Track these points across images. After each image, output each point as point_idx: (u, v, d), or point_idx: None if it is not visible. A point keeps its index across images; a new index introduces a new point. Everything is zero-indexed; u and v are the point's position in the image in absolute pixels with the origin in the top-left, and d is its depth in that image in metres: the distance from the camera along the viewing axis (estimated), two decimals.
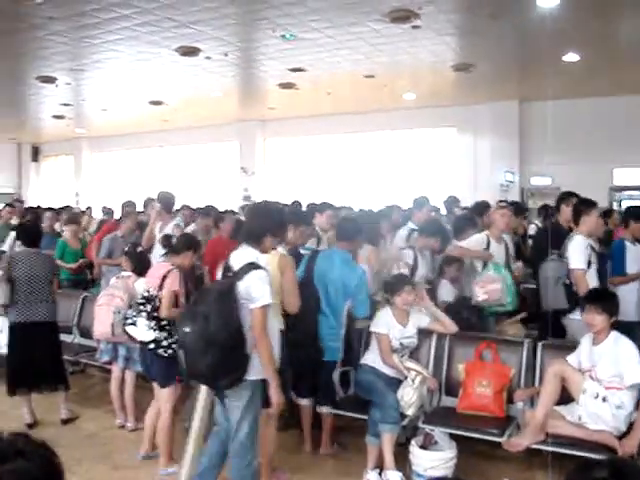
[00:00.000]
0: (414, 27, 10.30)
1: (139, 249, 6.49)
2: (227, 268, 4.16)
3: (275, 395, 4.03)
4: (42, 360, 6.17)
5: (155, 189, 9.21)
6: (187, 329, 3.79)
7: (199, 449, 4.50)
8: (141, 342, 5.10)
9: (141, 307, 5.06)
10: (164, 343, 4.98)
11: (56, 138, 25.95)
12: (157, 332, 4.95)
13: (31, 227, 6.81)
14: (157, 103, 17.49)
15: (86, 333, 7.40)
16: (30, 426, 6.16)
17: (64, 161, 27.75)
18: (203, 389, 4.40)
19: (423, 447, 4.95)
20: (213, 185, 22.56)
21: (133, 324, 5.02)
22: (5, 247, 9.39)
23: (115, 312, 5.66)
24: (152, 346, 5.00)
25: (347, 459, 5.56)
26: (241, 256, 4.15)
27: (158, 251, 6.85)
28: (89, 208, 17.93)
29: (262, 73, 14.37)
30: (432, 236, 6.85)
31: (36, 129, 24.26)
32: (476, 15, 9.78)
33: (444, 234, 7.08)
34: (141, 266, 5.83)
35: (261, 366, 3.96)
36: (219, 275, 4.30)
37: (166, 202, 8.18)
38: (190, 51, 11.89)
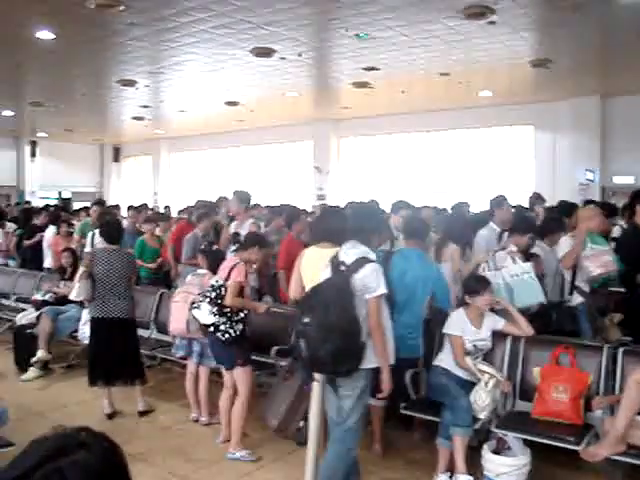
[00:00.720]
0: (490, 23, 10.09)
1: (214, 247, 6.66)
2: (338, 263, 4.28)
3: (386, 383, 4.24)
4: (119, 355, 6.36)
5: (231, 188, 9.33)
6: (307, 319, 3.98)
7: (317, 449, 4.47)
8: (203, 325, 5.31)
9: (207, 294, 5.37)
10: (222, 327, 5.30)
11: (136, 139, 26.80)
12: (217, 317, 5.22)
13: (112, 224, 7.01)
14: (233, 104, 17.78)
15: (163, 328, 7.60)
16: (110, 416, 6.36)
17: (143, 161, 28.61)
18: (316, 389, 4.43)
19: (496, 452, 4.85)
20: (287, 184, 22.81)
21: (197, 307, 5.39)
22: (87, 245, 9.68)
23: (191, 308, 5.78)
24: (212, 329, 5.30)
25: (417, 461, 5.50)
26: (351, 251, 4.31)
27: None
28: (167, 207, 18.43)
29: (336, 73, 14.40)
30: (524, 233, 6.65)
31: (117, 130, 25.12)
32: (555, 8, 9.49)
33: (535, 230, 6.91)
34: (216, 264, 5.94)
35: (374, 355, 4.16)
36: (322, 271, 4.35)
37: (242, 200, 8.31)
38: (265, 52, 12.03)
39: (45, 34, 10.97)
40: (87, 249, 9.25)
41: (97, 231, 8.59)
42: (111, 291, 6.34)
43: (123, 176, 29.76)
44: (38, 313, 7.86)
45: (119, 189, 29.56)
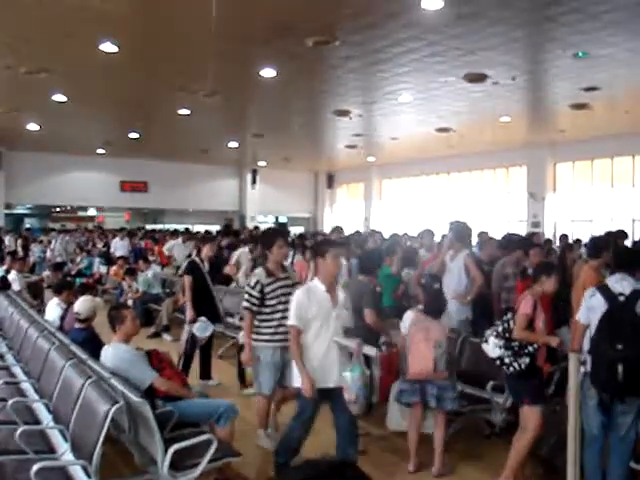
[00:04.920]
0: None
1: (437, 285, 6.06)
2: (609, 291, 4.51)
3: None
4: None
5: (441, 215, 9.21)
6: (620, 346, 4.26)
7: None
8: (491, 359, 5.23)
9: (495, 327, 5.22)
10: (506, 360, 5.06)
11: (348, 166, 27.76)
12: (502, 350, 5.06)
13: (371, 253, 7.01)
14: (444, 130, 17.80)
15: None
16: None
17: (355, 188, 29.50)
18: (572, 411, 4.42)
19: None
20: (498, 211, 22.29)
21: (485, 341, 5.23)
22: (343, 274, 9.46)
23: (436, 346, 5.33)
24: (498, 362, 5.13)
25: None
26: (620, 282, 4.53)
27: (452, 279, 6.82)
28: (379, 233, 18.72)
29: (552, 95, 13.89)
30: None
31: (331, 158, 26.23)
32: None
33: None
34: (437, 304, 5.69)
35: None
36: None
37: (458, 232, 7.91)
38: (477, 78, 11.94)
39: (268, 72, 11.86)
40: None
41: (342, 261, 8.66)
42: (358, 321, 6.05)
43: (337, 202, 30.92)
44: None
45: (332, 215, 30.76)
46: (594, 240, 7.14)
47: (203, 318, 7.46)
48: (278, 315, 5.53)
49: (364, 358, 4.91)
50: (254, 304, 5.60)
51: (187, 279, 7.76)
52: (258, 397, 5.91)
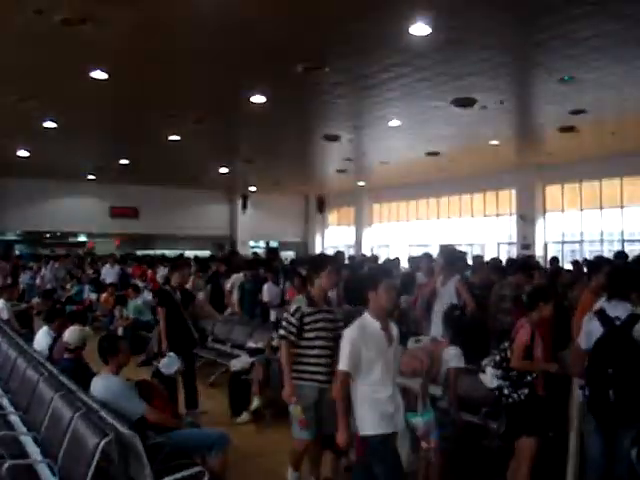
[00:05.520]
0: None
1: (457, 312, 6.09)
2: (606, 316, 4.61)
3: None
4: None
5: (432, 238, 9.21)
6: (610, 370, 4.34)
7: None
8: (489, 390, 5.15)
9: (492, 356, 5.14)
10: (505, 391, 4.97)
11: (339, 190, 27.81)
12: (500, 380, 4.99)
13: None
14: (434, 154, 17.89)
15: None
16: None
17: (346, 212, 29.56)
18: (573, 440, 4.58)
19: None
20: (488, 233, 22.39)
21: (483, 371, 5.15)
22: None
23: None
24: (496, 393, 5.05)
25: None
26: (620, 307, 4.61)
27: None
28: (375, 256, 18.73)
29: (540, 118, 14.02)
30: None
31: (321, 183, 26.33)
32: None
33: None
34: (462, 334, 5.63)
35: None
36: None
37: (448, 256, 7.91)
38: (466, 102, 12.03)
39: (258, 98, 11.92)
40: None
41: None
42: None
43: (327, 226, 30.96)
44: (251, 360, 8.28)
45: (322, 238, 30.79)
46: (588, 263, 7.17)
47: (171, 353, 7.12)
48: (315, 352, 4.96)
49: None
50: (292, 333, 4.95)
51: (161, 311, 7.53)
52: (298, 441, 5.11)
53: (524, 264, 8.92)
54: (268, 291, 11.11)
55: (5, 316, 10.23)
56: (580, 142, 15.94)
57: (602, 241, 19.21)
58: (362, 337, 4.19)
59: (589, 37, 8.72)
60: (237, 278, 11.91)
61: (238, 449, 5.69)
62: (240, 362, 8.34)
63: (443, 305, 6.80)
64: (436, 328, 6.45)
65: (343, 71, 10.38)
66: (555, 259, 13.27)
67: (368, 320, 4.30)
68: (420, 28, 8.39)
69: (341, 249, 18.67)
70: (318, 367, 4.93)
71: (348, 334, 4.25)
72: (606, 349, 4.47)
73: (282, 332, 5.05)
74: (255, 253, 21.31)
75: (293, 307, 5.07)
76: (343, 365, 4.17)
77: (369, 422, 4.17)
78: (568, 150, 17.13)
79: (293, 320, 4.96)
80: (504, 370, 4.98)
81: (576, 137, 15.14)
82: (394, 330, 4.40)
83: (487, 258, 12.26)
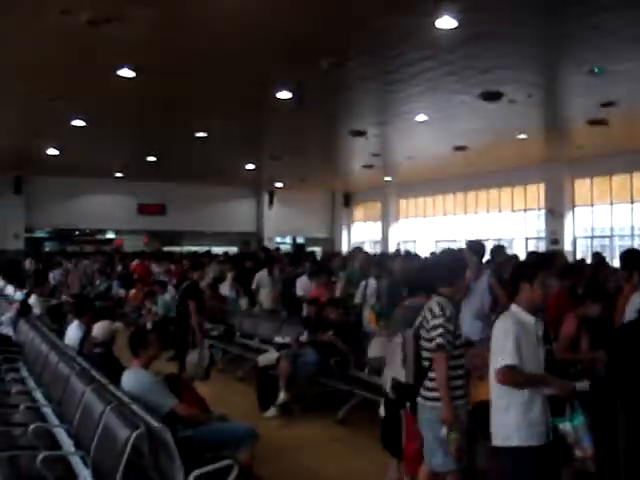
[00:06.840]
0: None
1: None
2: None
3: None
4: None
5: (458, 234, 9.15)
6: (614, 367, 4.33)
7: None
8: None
9: None
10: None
11: (365, 186, 27.76)
12: None
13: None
14: (461, 148, 17.75)
15: None
16: None
17: (372, 207, 29.49)
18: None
19: None
20: (517, 228, 22.18)
21: None
22: (357, 296, 9.20)
23: None
24: None
25: None
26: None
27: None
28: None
29: (569, 111, 13.85)
30: None
31: (347, 178, 26.27)
32: None
33: None
34: None
35: None
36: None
37: (476, 251, 7.82)
38: (493, 95, 11.91)
39: (284, 94, 11.92)
40: (357, 300, 9.07)
41: (372, 281, 8.72)
42: None
43: (353, 222, 30.93)
44: (278, 355, 8.30)
45: (349, 234, 30.76)
46: (622, 257, 6.99)
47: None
48: (461, 362, 4.29)
49: None
50: (450, 342, 4.16)
51: (192, 304, 8.19)
52: (451, 475, 4.20)
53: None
54: (301, 285, 11.07)
55: (37, 311, 10.39)
56: (610, 135, 15.68)
57: (632, 236, 18.92)
58: (521, 332, 3.68)
59: (620, 27, 8.55)
60: (261, 276, 11.97)
61: (266, 443, 5.70)
62: (267, 357, 8.37)
63: (474, 303, 6.66)
64: (469, 327, 6.12)
65: (368, 66, 10.34)
66: (597, 254, 12.47)
67: (522, 314, 3.78)
68: (446, 21, 8.31)
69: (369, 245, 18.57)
70: (463, 381, 4.29)
71: (509, 327, 3.70)
72: (617, 345, 4.41)
73: (440, 340, 4.13)
74: (277, 248, 21.26)
75: (447, 310, 4.24)
76: (510, 358, 3.60)
77: (521, 431, 3.65)
78: (598, 143, 16.87)
79: (451, 327, 4.20)
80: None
81: (606, 130, 14.89)
82: (541, 329, 3.82)
83: (514, 253, 12.02)
